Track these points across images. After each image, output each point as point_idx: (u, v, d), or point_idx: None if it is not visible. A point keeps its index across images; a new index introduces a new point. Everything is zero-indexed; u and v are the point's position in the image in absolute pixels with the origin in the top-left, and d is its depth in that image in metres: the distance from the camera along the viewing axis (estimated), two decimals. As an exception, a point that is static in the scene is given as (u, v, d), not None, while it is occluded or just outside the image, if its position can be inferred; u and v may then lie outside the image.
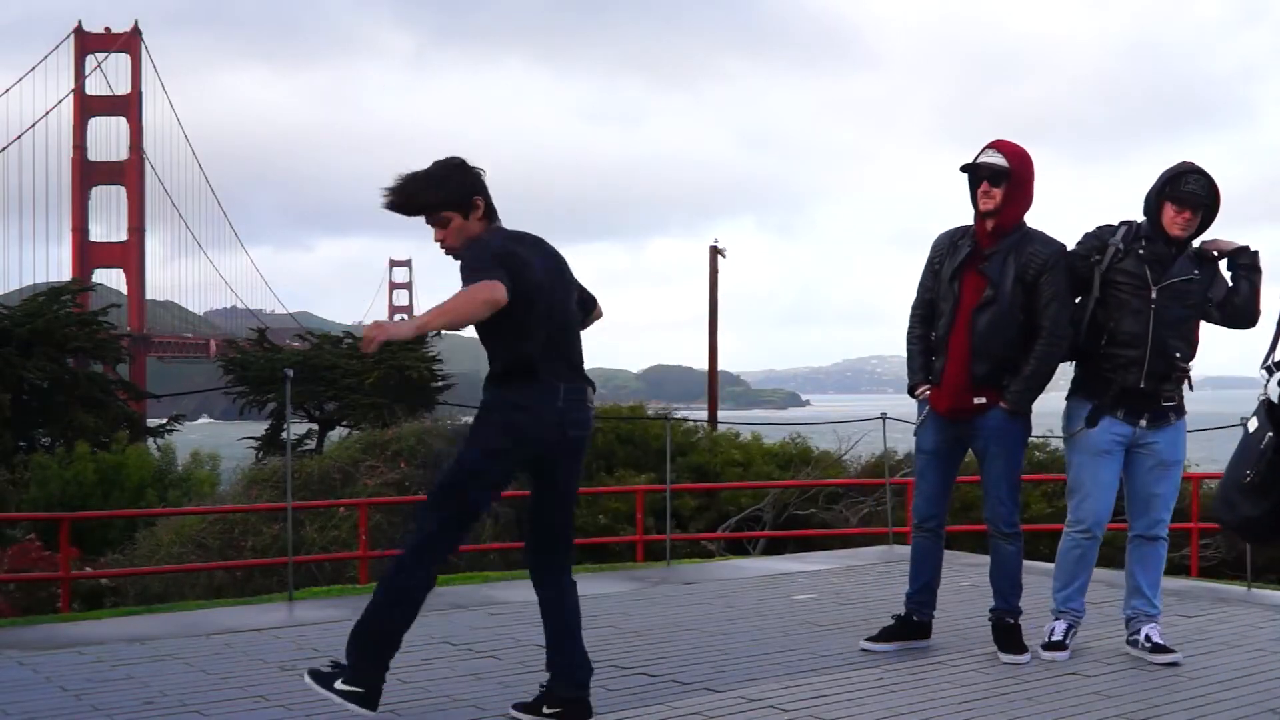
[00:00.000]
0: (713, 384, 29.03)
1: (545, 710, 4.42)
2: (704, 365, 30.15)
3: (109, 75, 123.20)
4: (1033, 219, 5.39)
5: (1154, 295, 5.24)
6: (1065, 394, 5.57)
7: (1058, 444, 14.48)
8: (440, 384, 29.08)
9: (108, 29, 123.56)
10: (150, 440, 27.76)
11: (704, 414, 26.27)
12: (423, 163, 4.41)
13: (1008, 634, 5.44)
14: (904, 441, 11.44)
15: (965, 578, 7.43)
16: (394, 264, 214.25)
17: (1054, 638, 5.45)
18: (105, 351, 29.56)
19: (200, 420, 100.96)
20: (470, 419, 4.79)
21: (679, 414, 21.88)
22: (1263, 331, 5.30)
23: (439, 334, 30.74)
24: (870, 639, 5.61)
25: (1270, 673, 5.19)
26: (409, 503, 13.37)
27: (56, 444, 24.87)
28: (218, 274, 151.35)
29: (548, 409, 4.30)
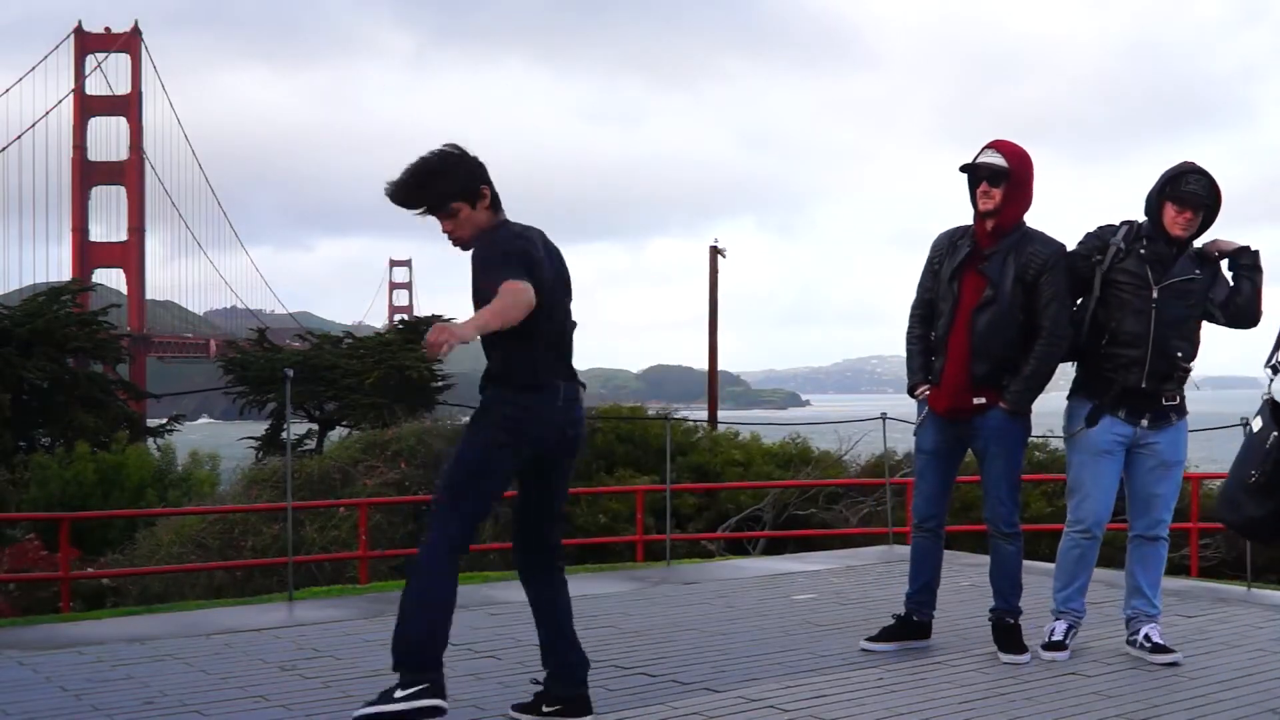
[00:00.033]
0: (713, 384, 29.03)
1: (545, 709, 4.41)
2: (704, 365, 30.16)
3: (109, 75, 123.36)
4: (1033, 219, 5.39)
5: (1155, 295, 5.24)
6: (1065, 394, 5.57)
7: (1058, 444, 14.49)
8: (440, 384, 29.07)
9: (108, 29, 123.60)
10: (150, 440, 27.77)
11: (704, 414, 26.26)
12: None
13: (1008, 634, 5.44)
14: (904, 441, 11.44)
15: (965, 578, 7.43)
16: (394, 264, 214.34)
17: (1054, 638, 5.45)
18: (105, 351, 29.57)
19: (200, 420, 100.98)
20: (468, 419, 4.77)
21: (679, 414, 21.88)
22: (1263, 331, 5.30)
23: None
24: (870, 639, 5.61)
25: (1270, 673, 5.19)
26: (409, 503, 13.40)
27: (56, 444, 24.88)
28: (218, 274, 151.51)
29: (549, 409, 4.30)
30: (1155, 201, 5.30)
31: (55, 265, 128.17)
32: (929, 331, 5.48)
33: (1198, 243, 5.35)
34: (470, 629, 6.04)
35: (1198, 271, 5.31)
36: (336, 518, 13.45)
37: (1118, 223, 5.42)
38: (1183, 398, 5.40)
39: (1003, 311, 5.26)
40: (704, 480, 15.80)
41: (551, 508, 4.48)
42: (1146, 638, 5.41)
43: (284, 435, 22.14)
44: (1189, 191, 5.23)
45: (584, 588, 7.40)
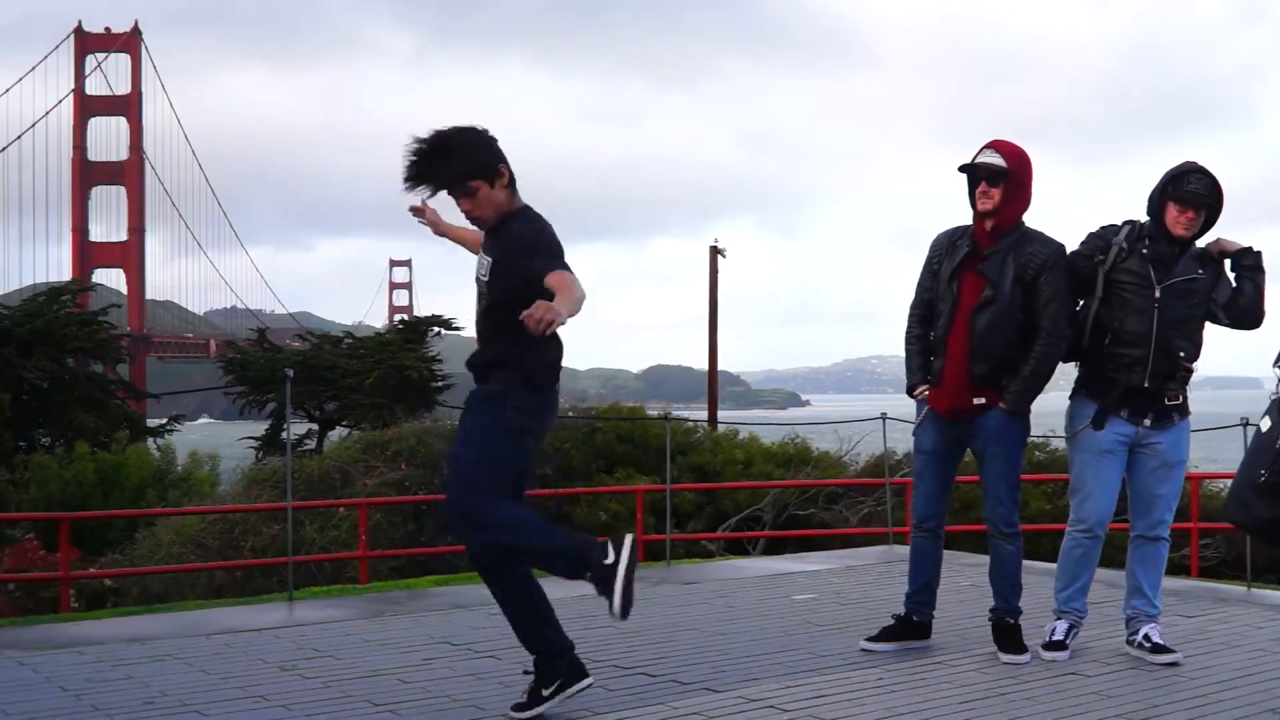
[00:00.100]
0: (713, 384, 29.03)
1: (545, 693, 4.40)
2: (704, 365, 30.15)
3: (109, 75, 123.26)
4: (1032, 219, 5.39)
5: (1158, 295, 5.24)
6: (1065, 393, 5.57)
7: (1058, 444, 14.50)
8: (440, 384, 29.06)
9: (108, 29, 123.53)
10: (150, 440, 27.76)
11: (704, 414, 26.27)
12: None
13: (1008, 634, 5.44)
14: (904, 441, 11.43)
15: (965, 578, 7.43)
16: (394, 264, 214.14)
17: (1055, 637, 5.45)
18: (105, 351, 29.56)
19: (200, 420, 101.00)
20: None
21: (679, 414, 21.87)
22: (1264, 332, 5.31)
23: (439, 334, 30.86)
24: (870, 639, 5.61)
25: (1270, 673, 5.19)
26: (409, 502, 13.40)
27: (56, 444, 24.88)
28: (218, 274, 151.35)
29: (553, 404, 4.36)
30: (1157, 201, 5.30)
31: (55, 265, 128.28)
32: (928, 331, 5.48)
33: (1201, 243, 5.36)
34: (470, 629, 6.05)
35: (1200, 271, 5.31)
36: (336, 518, 13.44)
37: (1120, 222, 5.43)
38: (1185, 397, 5.41)
39: (1002, 312, 5.26)
40: (704, 480, 15.80)
41: (520, 496, 4.45)
42: (1146, 638, 5.41)
43: (284, 435, 22.14)
44: (1191, 191, 5.23)
45: (584, 587, 7.38)
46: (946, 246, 5.44)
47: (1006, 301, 5.25)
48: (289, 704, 4.65)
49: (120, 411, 27.88)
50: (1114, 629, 5.77)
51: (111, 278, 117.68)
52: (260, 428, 28.78)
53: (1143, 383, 5.26)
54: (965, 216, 5.43)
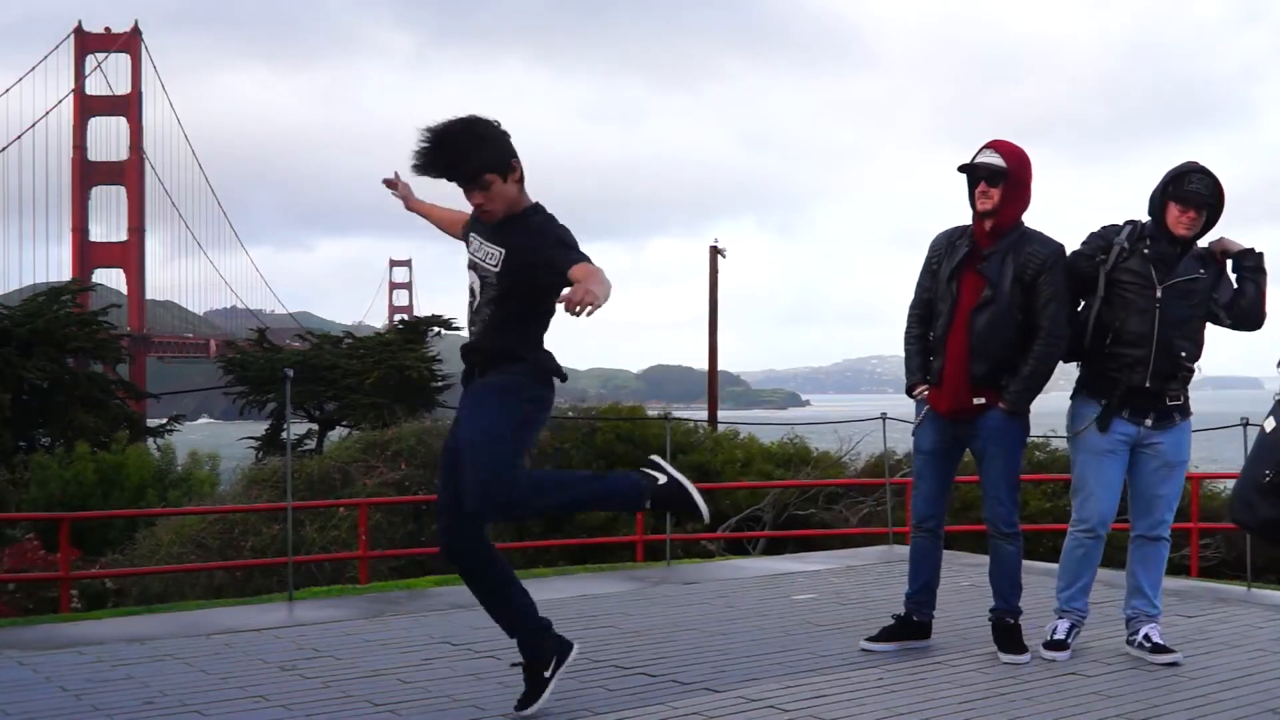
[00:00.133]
0: (713, 384, 29.03)
1: (546, 674, 4.41)
2: (704, 365, 30.16)
3: (109, 75, 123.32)
4: (1032, 219, 5.40)
5: (1159, 294, 5.24)
6: (1065, 393, 5.57)
7: (1058, 444, 14.50)
8: (440, 384, 29.08)
9: (108, 29, 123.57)
10: (150, 440, 27.78)
11: (704, 414, 26.26)
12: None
13: (1008, 634, 5.44)
14: (904, 441, 11.43)
15: (965, 578, 7.43)
16: (394, 264, 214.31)
17: (1056, 636, 5.45)
18: (105, 351, 29.58)
19: (200, 420, 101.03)
20: None
21: (679, 414, 21.87)
22: (1265, 333, 5.31)
23: (439, 334, 30.87)
24: (870, 639, 5.61)
25: (1270, 673, 5.19)
26: (409, 503, 13.40)
27: (56, 444, 24.89)
28: (218, 274, 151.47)
29: (552, 398, 4.39)
30: (1158, 201, 5.30)
31: (55, 265, 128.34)
32: (927, 331, 5.48)
33: (1203, 242, 5.36)
34: (470, 629, 6.04)
35: (1202, 271, 5.31)
36: (336, 518, 13.44)
37: (1121, 222, 5.43)
38: (1187, 397, 5.41)
39: (1001, 312, 5.25)
40: (704, 480, 15.77)
41: None
42: (1146, 638, 5.41)
43: (284, 435, 22.14)
44: (1192, 191, 5.23)
45: (584, 588, 7.40)
46: (946, 246, 5.44)
47: (1006, 301, 5.25)
48: (289, 704, 4.65)
49: (120, 411, 27.90)
50: (1114, 629, 5.77)
51: (111, 278, 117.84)
52: (260, 428, 28.80)
53: (1144, 383, 5.27)
54: (965, 216, 5.43)
